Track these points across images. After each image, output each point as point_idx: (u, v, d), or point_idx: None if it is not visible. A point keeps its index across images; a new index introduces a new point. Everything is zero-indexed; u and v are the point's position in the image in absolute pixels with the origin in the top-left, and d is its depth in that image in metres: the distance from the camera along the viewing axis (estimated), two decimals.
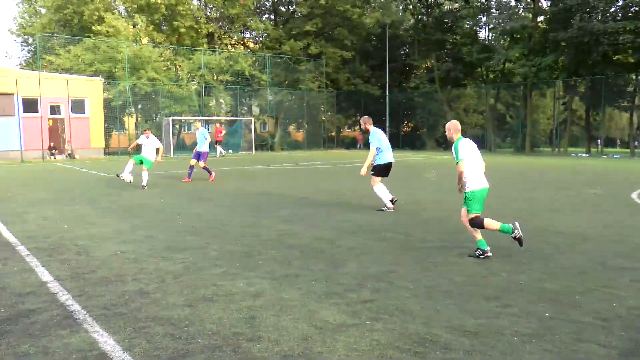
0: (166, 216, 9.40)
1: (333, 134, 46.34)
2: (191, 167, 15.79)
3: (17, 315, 4.38)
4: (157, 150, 14.28)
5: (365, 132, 9.98)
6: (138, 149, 15.22)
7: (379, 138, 9.81)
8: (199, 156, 15.77)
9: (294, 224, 8.50)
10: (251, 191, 13.23)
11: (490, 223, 6.12)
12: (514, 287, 5.07)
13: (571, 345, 3.76)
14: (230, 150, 36.07)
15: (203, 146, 15.78)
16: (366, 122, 10.06)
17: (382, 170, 9.91)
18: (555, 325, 4.11)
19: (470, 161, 6.27)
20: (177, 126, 39.74)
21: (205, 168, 15.91)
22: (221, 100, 40.16)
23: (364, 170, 9.78)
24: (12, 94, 29.41)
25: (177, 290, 5.02)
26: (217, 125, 33.57)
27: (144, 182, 13.96)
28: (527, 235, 7.44)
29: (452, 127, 6.58)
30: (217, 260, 6.16)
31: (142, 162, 14.15)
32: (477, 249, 6.23)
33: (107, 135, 35.01)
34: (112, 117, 33.93)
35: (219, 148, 31.72)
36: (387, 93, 43.79)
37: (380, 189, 9.88)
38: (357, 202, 10.99)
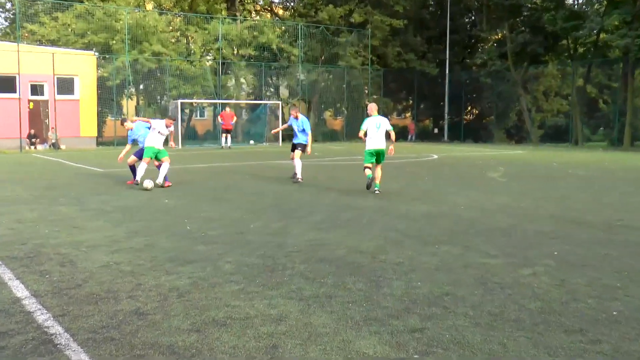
0: (171, 220, 9.52)
1: None
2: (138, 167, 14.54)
3: None
4: (151, 129, 14.06)
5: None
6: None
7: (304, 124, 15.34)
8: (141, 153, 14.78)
9: (327, 232, 8.50)
10: (276, 191, 13.30)
11: (367, 172, 12.84)
12: (605, 318, 4.96)
13: None
14: (252, 142, 36.36)
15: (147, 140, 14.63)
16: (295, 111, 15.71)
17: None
18: None
19: (368, 131, 12.84)
20: (187, 111, 40.24)
21: (131, 167, 14.86)
22: (242, 80, 40.50)
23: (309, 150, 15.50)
24: None
25: (182, 311, 5.08)
26: (227, 110, 33.62)
27: (160, 179, 13.89)
28: (622, 252, 7.29)
29: (373, 107, 13.51)
30: (232, 275, 6.21)
31: (156, 156, 14.13)
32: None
33: (101, 122, 35.60)
34: (108, 99, 34.51)
35: (225, 138, 32.06)
36: (447, 72, 43.43)
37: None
38: (405, 208, 10.94)
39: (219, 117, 32.83)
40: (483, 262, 6.82)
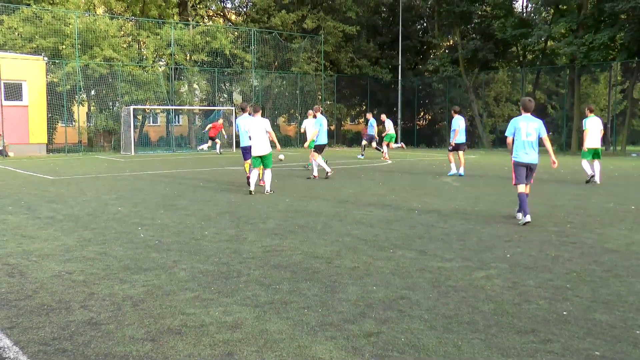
0: (124, 228, 9.41)
1: (333, 127, 46.48)
2: None
3: None
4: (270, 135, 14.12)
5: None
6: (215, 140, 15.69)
7: (321, 124, 17.31)
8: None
9: (282, 238, 8.52)
10: (230, 198, 13.24)
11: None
12: (555, 318, 5.09)
13: None
14: (204, 147, 36.04)
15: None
16: (316, 110, 18.03)
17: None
18: None
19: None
20: (140, 117, 39.79)
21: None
22: (195, 86, 40.23)
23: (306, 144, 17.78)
24: None
25: (137, 320, 5.03)
26: (220, 121, 32.94)
27: (268, 187, 14.07)
28: (573, 254, 7.48)
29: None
30: (187, 282, 6.18)
31: (263, 162, 14.09)
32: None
33: (51, 128, 34.95)
34: (58, 105, 33.93)
35: (217, 145, 31.96)
36: (400, 77, 43.94)
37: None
38: (360, 214, 11.02)
39: (210, 126, 31.65)
40: (438, 265, 6.91)
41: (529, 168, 10.04)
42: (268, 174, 14.10)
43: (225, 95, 44.01)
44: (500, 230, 9.27)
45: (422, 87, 46.44)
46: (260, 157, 14.01)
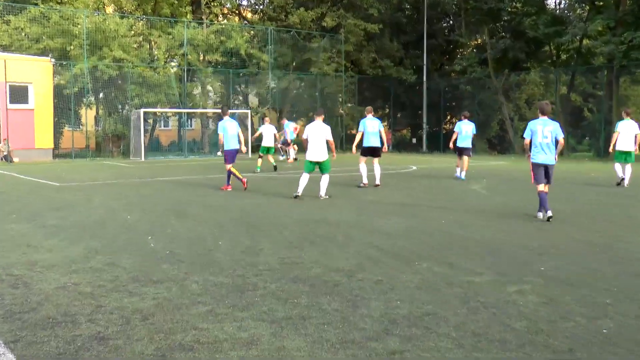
0: (133, 237, 9.43)
1: (354, 131, 46.43)
2: None
3: None
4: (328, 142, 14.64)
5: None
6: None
7: (365, 124, 17.19)
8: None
9: (301, 250, 8.49)
10: (245, 205, 13.26)
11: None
12: (595, 337, 5.00)
13: None
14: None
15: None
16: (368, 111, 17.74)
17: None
18: None
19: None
20: (150, 121, 40.00)
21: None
22: (209, 88, 40.42)
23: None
24: None
25: (146, 335, 5.02)
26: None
27: (322, 192, 14.54)
28: (614, 268, 7.37)
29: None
30: (199, 296, 6.16)
31: (320, 168, 14.59)
32: None
33: (58, 133, 35.29)
34: (65, 109, 34.25)
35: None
36: (425, 79, 43.81)
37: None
38: (383, 222, 10.98)
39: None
40: (467, 279, 6.84)
41: (546, 168, 11.30)
42: (325, 179, 14.54)
43: (241, 98, 44.15)
44: (533, 241, 9.17)
45: (448, 89, 46.26)
46: (316, 162, 14.43)
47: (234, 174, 16.19)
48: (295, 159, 29.37)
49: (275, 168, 23.49)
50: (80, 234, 9.74)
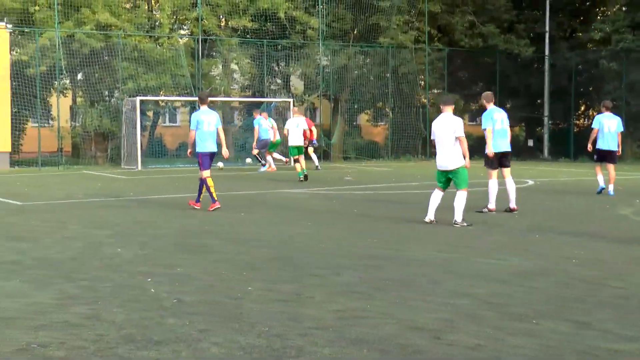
0: (126, 280, 9.51)
1: None
2: None
3: None
4: None
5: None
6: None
7: (492, 118, 17.12)
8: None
9: (365, 299, 8.47)
10: (284, 235, 13.32)
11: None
12: None
13: None
14: (249, 159, 35.54)
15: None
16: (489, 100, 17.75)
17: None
18: None
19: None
20: (150, 113, 40.09)
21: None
22: (233, 67, 40.31)
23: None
24: None
25: None
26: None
27: (458, 216, 14.61)
28: None
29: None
30: None
31: (454, 180, 14.76)
32: None
33: (17, 130, 35.19)
34: (28, 95, 34.33)
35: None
36: (547, 52, 43.37)
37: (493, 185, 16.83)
38: (484, 261, 10.93)
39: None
40: (608, 347, 6.75)
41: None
42: (461, 197, 14.45)
43: (279, 81, 43.88)
44: None
45: (582, 68, 45.64)
46: (445, 172, 14.52)
47: (207, 188, 16.46)
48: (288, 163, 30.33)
49: (306, 177, 23.69)
50: (49, 275, 9.82)
